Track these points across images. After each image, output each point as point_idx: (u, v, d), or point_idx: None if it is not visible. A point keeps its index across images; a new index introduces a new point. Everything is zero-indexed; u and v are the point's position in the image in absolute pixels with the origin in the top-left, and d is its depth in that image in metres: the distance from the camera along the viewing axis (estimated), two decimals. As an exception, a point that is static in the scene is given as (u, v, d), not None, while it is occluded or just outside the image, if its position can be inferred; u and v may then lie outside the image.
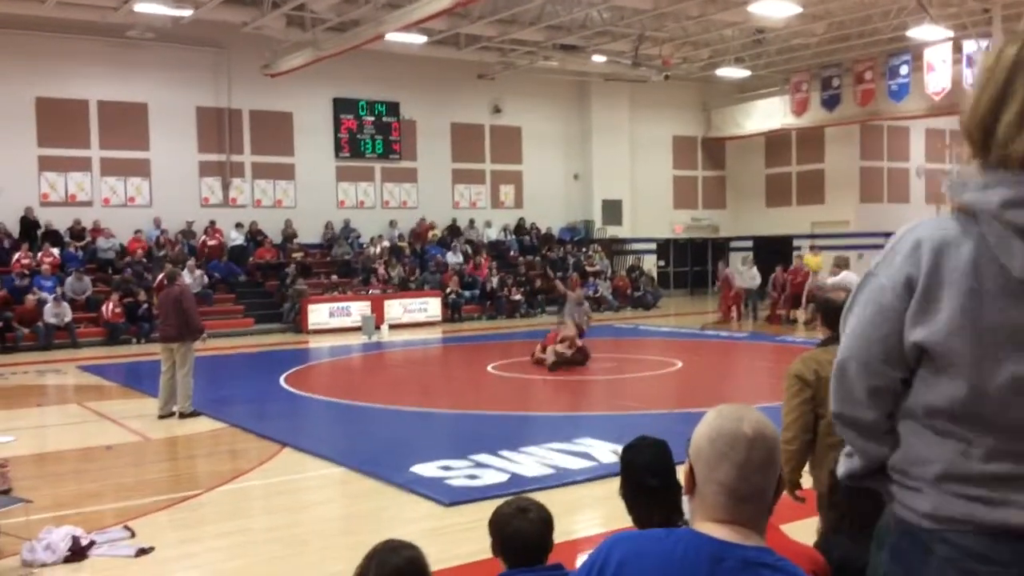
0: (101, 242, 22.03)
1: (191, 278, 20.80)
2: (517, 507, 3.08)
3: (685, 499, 1.85)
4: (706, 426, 1.75)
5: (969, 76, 23.25)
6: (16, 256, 20.67)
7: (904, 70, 25.26)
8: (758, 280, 22.60)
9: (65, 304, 19.60)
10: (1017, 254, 1.54)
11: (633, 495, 3.03)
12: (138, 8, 19.69)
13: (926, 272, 1.61)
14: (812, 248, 24.96)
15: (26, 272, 20.36)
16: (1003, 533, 1.59)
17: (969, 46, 23.18)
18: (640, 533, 1.84)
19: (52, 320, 19.25)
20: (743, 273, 22.87)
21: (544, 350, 15.12)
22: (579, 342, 15.18)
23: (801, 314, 20.49)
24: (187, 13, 20.15)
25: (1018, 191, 1.54)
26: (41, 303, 19.41)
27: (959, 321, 1.59)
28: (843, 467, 1.88)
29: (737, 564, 1.65)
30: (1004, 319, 1.56)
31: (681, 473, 1.86)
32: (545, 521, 3.06)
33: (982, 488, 1.61)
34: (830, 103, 27.78)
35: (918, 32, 22.42)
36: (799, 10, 20.71)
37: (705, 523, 1.72)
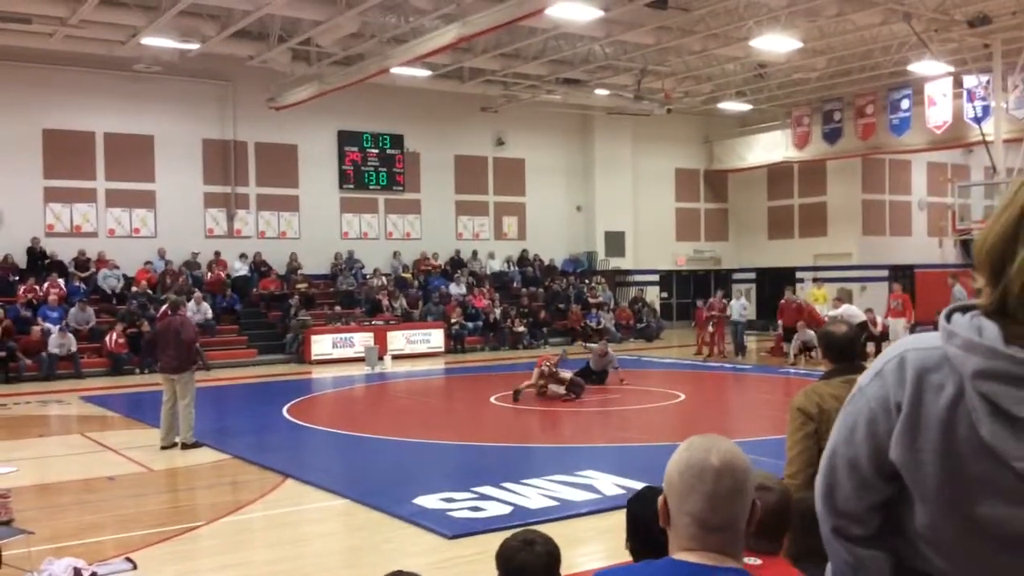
0: (104, 273, 22.10)
1: (197, 309, 20.86)
2: (523, 540, 3.07)
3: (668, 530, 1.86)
4: (676, 458, 1.77)
5: (970, 110, 23.41)
6: (23, 288, 20.73)
7: (905, 104, 25.42)
8: (746, 312, 22.51)
9: (70, 335, 19.64)
10: (984, 422, 1.55)
11: (642, 547, 2.96)
12: (145, 42, 19.89)
13: (908, 401, 1.61)
14: (815, 281, 24.99)
15: (34, 302, 20.43)
16: None
17: (970, 80, 23.36)
18: (621, 566, 1.86)
19: (56, 350, 19.28)
20: (733, 304, 22.78)
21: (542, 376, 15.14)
22: (565, 375, 15.16)
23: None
24: (194, 47, 20.35)
25: (992, 364, 1.53)
26: (46, 333, 19.45)
27: (931, 461, 1.59)
28: None
29: None
30: (971, 469, 1.57)
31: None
32: (551, 554, 3.05)
33: None
34: (831, 136, 27.92)
35: (919, 67, 22.60)
36: (800, 45, 20.88)
37: (680, 552, 1.74)
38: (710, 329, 22.38)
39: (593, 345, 17.62)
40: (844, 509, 1.76)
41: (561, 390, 14.95)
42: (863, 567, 1.78)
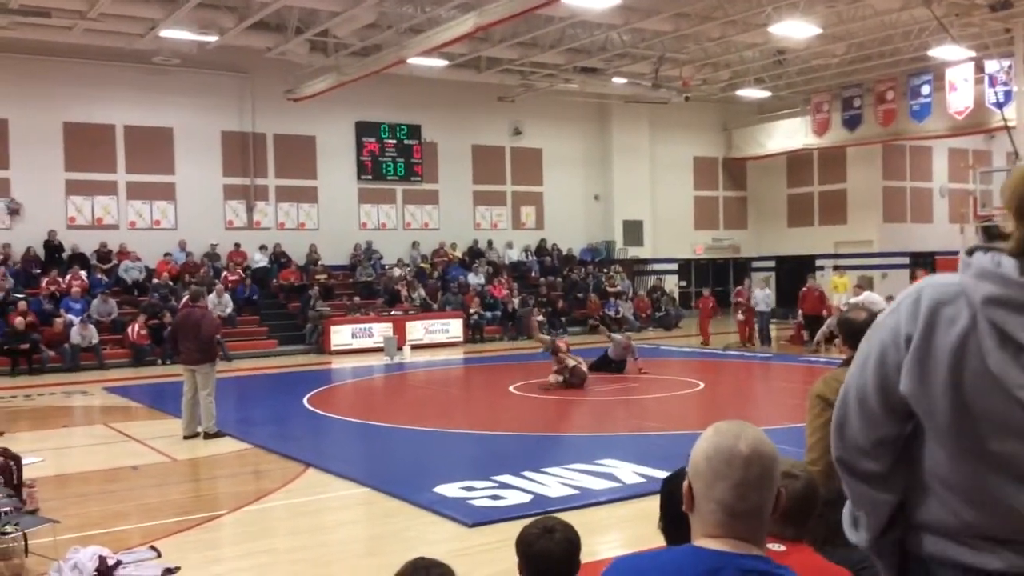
0: (125, 265, 22.27)
1: (219, 302, 21.00)
2: (543, 527, 3.08)
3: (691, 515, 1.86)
4: (703, 444, 1.76)
5: (991, 95, 23.17)
6: (45, 281, 20.93)
7: (926, 90, 25.20)
8: (772, 301, 22.29)
9: (91, 326, 19.82)
10: (991, 351, 1.57)
11: (676, 528, 2.96)
12: (164, 34, 19.99)
13: (920, 334, 1.64)
14: (836, 269, 24.84)
15: (57, 295, 20.62)
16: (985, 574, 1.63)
17: (991, 65, 23.11)
18: (641, 553, 1.87)
19: (78, 341, 19.46)
20: (756, 294, 22.60)
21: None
22: (571, 362, 15.12)
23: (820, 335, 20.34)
24: (212, 39, 20.42)
25: (1004, 291, 1.56)
26: (68, 325, 19.64)
27: (941, 394, 1.61)
28: (855, 537, 1.87)
29: (734, 574, 1.67)
30: (981, 403, 1.59)
31: None
32: (571, 541, 3.06)
33: (961, 539, 1.66)
34: (851, 123, 27.72)
35: (939, 52, 22.39)
36: (819, 31, 20.73)
37: (704, 539, 1.73)
38: (739, 317, 22.29)
39: (618, 336, 17.55)
40: (852, 442, 1.78)
41: (559, 379, 14.90)
42: (862, 505, 1.79)
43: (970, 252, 1.66)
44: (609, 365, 16.74)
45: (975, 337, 1.58)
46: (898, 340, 1.68)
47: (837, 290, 21.82)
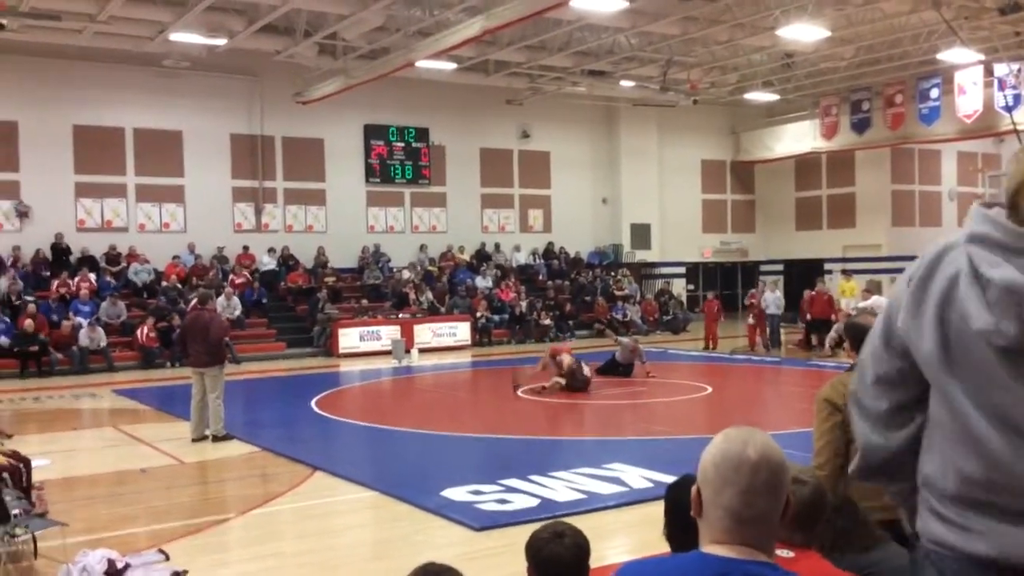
0: (135, 267, 22.34)
1: (227, 304, 21.05)
2: (553, 532, 3.08)
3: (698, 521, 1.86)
4: (712, 450, 1.77)
5: (1001, 99, 23.10)
6: (55, 284, 21.01)
7: (935, 93, 25.14)
8: (782, 305, 22.17)
9: (100, 329, 19.88)
10: (964, 286, 1.66)
11: (681, 534, 2.95)
12: (173, 37, 20.05)
13: (921, 273, 1.75)
14: (844, 273, 24.74)
15: (67, 297, 20.69)
16: (976, 562, 1.68)
17: (1000, 69, 23.04)
18: (648, 558, 1.87)
19: (86, 343, 19.52)
20: (767, 297, 22.46)
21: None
22: (568, 360, 15.12)
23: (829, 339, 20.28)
24: (221, 42, 20.48)
25: (982, 228, 1.67)
26: (76, 328, 19.70)
27: (929, 329, 1.70)
28: (853, 464, 1.97)
29: None
30: (958, 340, 1.67)
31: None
32: (580, 547, 3.06)
33: (952, 510, 1.72)
34: (860, 126, 27.66)
35: (948, 55, 22.32)
36: (828, 34, 20.68)
37: (711, 545, 1.74)
38: (751, 321, 22.20)
39: (624, 340, 17.53)
40: (861, 378, 1.89)
41: (561, 381, 14.89)
42: (857, 440, 1.90)
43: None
44: (616, 369, 16.73)
45: (959, 290, 1.68)
46: (905, 283, 1.79)
47: (845, 295, 21.74)
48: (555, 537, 3.05)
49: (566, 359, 15.15)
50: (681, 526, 2.89)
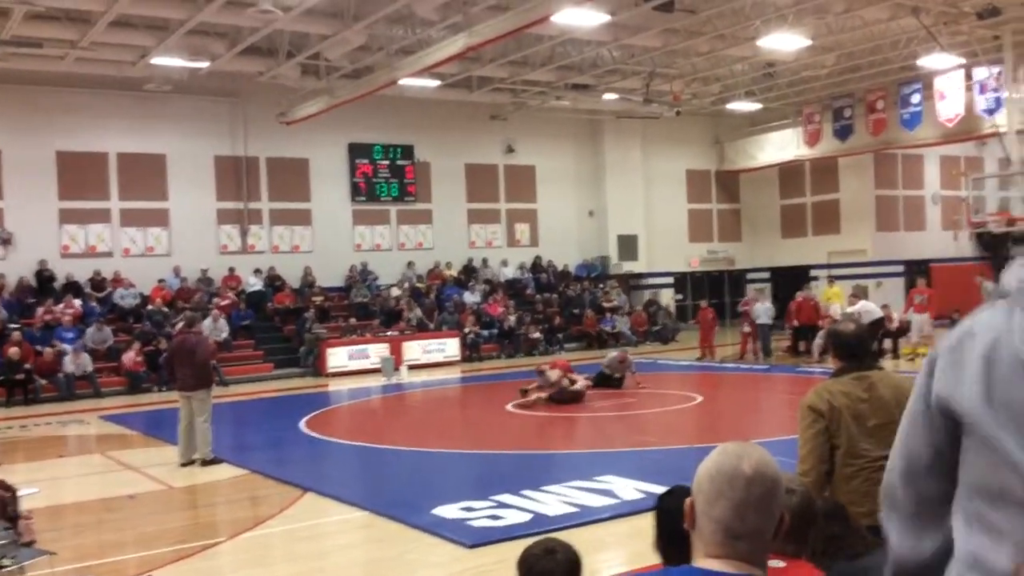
0: (120, 292, 22.22)
1: (214, 327, 20.96)
2: (545, 548, 3.07)
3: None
4: (708, 462, 1.76)
5: (981, 102, 23.28)
6: (40, 311, 20.87)
7: (916, 98, 25.31)
8: (770, 313, 22.12)
9: (85, 355, 19.73)
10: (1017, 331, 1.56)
11: (671, 546, 2.90)
12: (155, 61, 20.04)
13: (954, 340, 1.65)
14: (829, 279, 24.84)
15: (52, 324, 20.55)
16: None
17: (980, 73, 23.24)
18: (639, 572, 1.86)
19: (72, 370, 19.38)
20: (757, 308, 22.40)
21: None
22: (553, 376, 15.22)
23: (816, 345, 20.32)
24: (204, 65, 20.47)
25: None
26: (61, 354, 19.56)
27: (978, 386, 1.57)
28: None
29: None
30: (1008, 390, 1.54)
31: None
32: (572, 562, 3.05)
33: None
34: (842, 133, 27.82)
35: (928, 60, 22.48)
36: (808, 43, 20.82)
37: (704, 559, 1.72)
38: (746, 329, 22.17)
39: (612, 352, 17.55)
40: (893, 470, 1.78)
41: (542, 395, 14.94)
42: (892, 541, 1.76)
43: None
44: (608, 380, 16.71)
45: (1007, 338, 1.57)
46: (932, 359, 1.70)
47: (831, 301, 21.78)
48: (547, 553, 3.04)
49: (552, 374, 15.16)
50: (670, 536, 2.87)
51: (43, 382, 19.14)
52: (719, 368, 20.37)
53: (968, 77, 23.66)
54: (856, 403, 4.08)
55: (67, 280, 22.01)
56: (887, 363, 19.13)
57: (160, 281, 22.73)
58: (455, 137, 27.57)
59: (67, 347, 19.75)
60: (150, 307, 22.08)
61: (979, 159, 30.63)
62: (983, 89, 23.20)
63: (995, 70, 22.89)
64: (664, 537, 2.92)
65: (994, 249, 31.42)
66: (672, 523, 2.88)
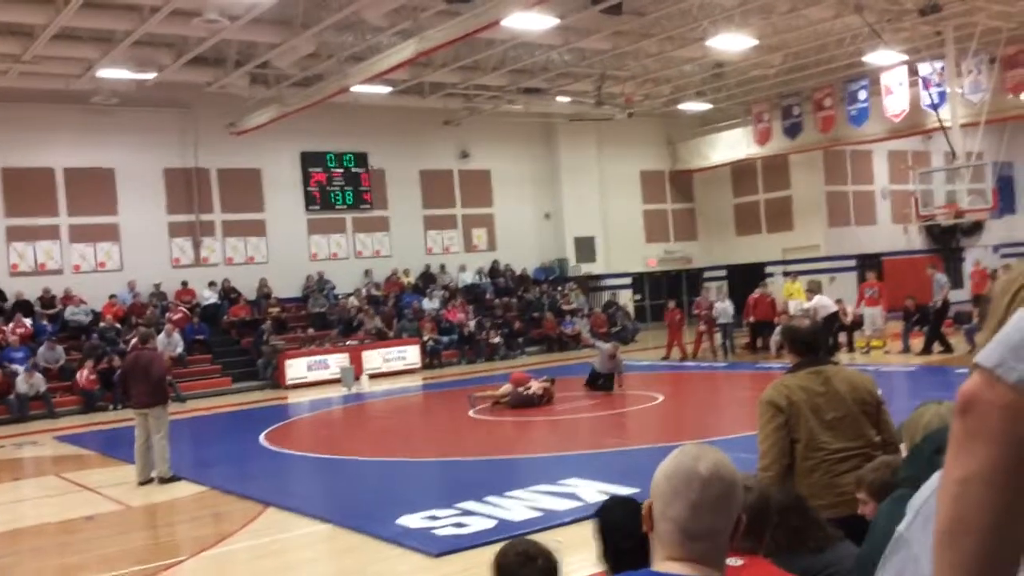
0: (71, 309, 21.81)
1: (168, 342, 20.63)
2: (524, 554, 2.97)
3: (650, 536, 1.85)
4: (665, 464, 1.78)
5: (926, 97, 23.71)
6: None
7: (862, 95, 25.73)
8: (731, 312, 22.26)
9: (38, 375, 19.33)
10: None
11: (614, 558, 2.92)
12: (101, 74, 19.73)
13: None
14: (788, 275, 25.11)
15: (2, 345, 20.10)
16: None
17: (924, 68, 23.68)
18: None
19: (24, 390, 18.98)
20: (717, 307, 22.53)
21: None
22: (536, 386, 15.34)
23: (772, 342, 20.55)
24: (150, 76, 20.20)
25: None
26: (12, 375, 19.15)
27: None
28: None
29: None
30: None
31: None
32: (553, 571, 2.97)
33: None
34: (792, 131, 28.20)
35: (873, 57, 22.89)
36: (755, 43, 21.08)
37: (663, 562, 1.73)
38: (701, 328, 22.25)
39: (603, 345, 17.05)
40: None
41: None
42: None
43: None
44: (597, 381, 16.33)
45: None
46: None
47: (792, 297, 22.00)
48: (526, 561, 2.95)
49: (505, 388, 15.31)
50: (616, 551, 2.86)
51: (-2, 402, 18.74)
52: (680, 367, 20.51)
53: (912, 73, 24.10)
54: (814, 397, 4.14)
55: (16, 299, 21.55)
56: (842, 356, 19.40)
57: (111, 297, 22.36)
58: (409, 143, 27.48)
59: (18, 367, 19.34)
60: (102, 324, 21.71)
61: (926, 153, 31.19)
62: (927, 84, 23.64)
63: (938, 65, 23.33)
64: (610, 551, 2.91)
65: (943, 241, 32.06)
66: (614, 537, 2.88)
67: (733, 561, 2.88)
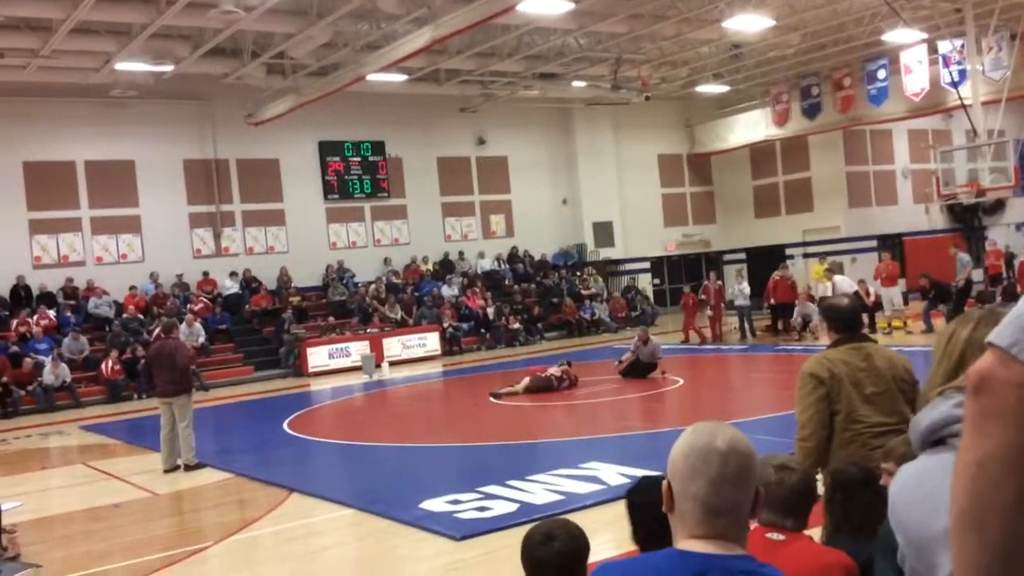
0: (94, 301, 22.01)
1: (189, 332, 20.80)
2: (545, 534, 2.88)
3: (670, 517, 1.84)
4: (680, 442, 1.77)
5: (946, 75, 23.48)
6: (14, 323, 20.63)
7: (882, 74, 25.50)
8: (747, 294, 22.18)
9: (63, 365, 19.55)
10: None
11: (647, 537, 2.87)
12: (119, 67, 19.84)
13: None
14: (819, 256, 24.74)
15: (28, 336, 20.32)
16: None
17: (944, 46, 23.44)
18: (624, 559, 1.86)
19: (50, 380, 19.19)
20: (735, 290, 22.49)
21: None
22: (554, 370, 15.45)
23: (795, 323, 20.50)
24: (168, 68, 20.29)
25: None
26: (38, 366, 19.37)
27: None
28: None
29: (720, 575, 1.66)
30: None
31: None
32: (571, 553, 2.86)
33: None
34: (811, 112, 27.99)
35: (893, 36, 22.66)
36: (773, 23, 20.92)
37: (686, 540, 1.73)
38: (708, 313, 22.24)
39: (635, 345, 16.37)
40: None
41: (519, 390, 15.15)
42: None
43: None
44: (636, 367, 16.05)
45: None
46: None
47: (820, 280, 21.71)
48: (545, 540, 2.85)
49: (524, 380, 15.39)
50: (648, 531, 2.83)
51: (23, 392, 18.95)
52: (699, 351, 20.48)
53: (932, 51, 23.86)
54: (855, 371, 4.18)
55: (40, 291, 21.77)
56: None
57: (131, 288, 22.50)
58: (426, 131, 27.50)
59: (44, 358, 19.56)
60: (124, 315, 21.89)
61: (947, 132, 30.92)
62: (947, 62, 23.40)
63: (958, 43, 23.09)
64: (642, 531, 2.88)
65: (965, 220, 31.79)
66: (646, 517, 2.85)
67: (775, 536, 2.90)
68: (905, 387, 4.24)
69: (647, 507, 2.85)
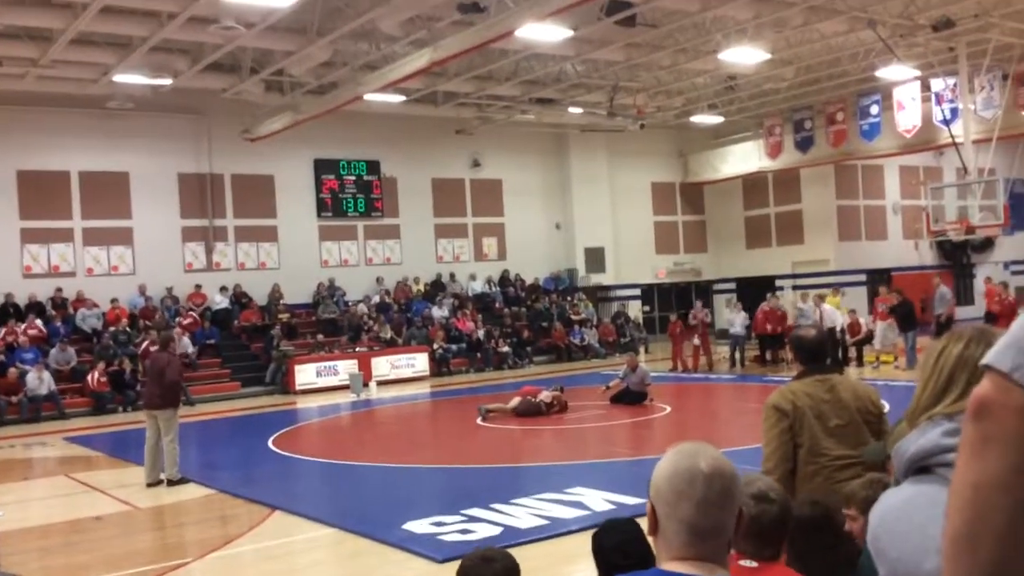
0: (82, 313, 21.92)
1: (177, 344, 20.72)
2: (482, 556, 2.96)
3: (651, 540, 1.86)
4: (664, 465, 1.77)
5: (938, 113, 23.70)
6: (2, 332, 20.52)
7: (874, 110, 25.71)
8: (744, 323, 22.20)
9: (47, 372, 19.42)
10: None
11: None
12: (117, 79, 19.88)
13: None
14: (833, 288, 24.55)
15: (15, 346, 20.21)
16: None
17: (937, 84, 23.66)
18: None
19: (34, 386, 19.05)
20: (733, 319, 22.48)
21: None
22: (545, 395, 15.41)
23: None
24: (166, 82, 20.34)
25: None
26: (23, 375, 19.25)
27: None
28: None
29: None
30: None
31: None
32: (510, 570, 2.95)
33: None
34: (803, 145, 28.19)
35: (886, 72, 22.88)
36: (768, 56, 21.11)
37: (670, 562, 1.74)
38: (696, 342, 22.28)
39: (622, 372, 16.27)
40: None
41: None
42: None
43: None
44: (626, 394, 15.94)
45: None
46: None
47: (842, 312, 21.42)
48: (484, 562, 2.93)
49: (515, 400, 15.32)
50: (608, 569, 2.85)
51: (10, 400, 18.82)
52: (688, 379, 20.50)
53: (925, 88, 24.09)
54: (819, 403, 4.18)
55: (29, 300, 21.68)
56: (852, 371, 19.36)
57: (112, 301, 22.32)
58: (421, 152, 27.59)
59: (28, 367, 19.46)
60: (112, 328, 21.80)
61: (938, 169, 31.17)
62: (940, 100, 23.62)
63: (951, 81, 23.33)
64: (603, 572, 2.90)
65: (954, 257, 31.99)
66: (613, 560, 2.88)
67: (748, 563, 2.92)
68: (871, 419, 4.23)
69: (614, 552, 2.88)
